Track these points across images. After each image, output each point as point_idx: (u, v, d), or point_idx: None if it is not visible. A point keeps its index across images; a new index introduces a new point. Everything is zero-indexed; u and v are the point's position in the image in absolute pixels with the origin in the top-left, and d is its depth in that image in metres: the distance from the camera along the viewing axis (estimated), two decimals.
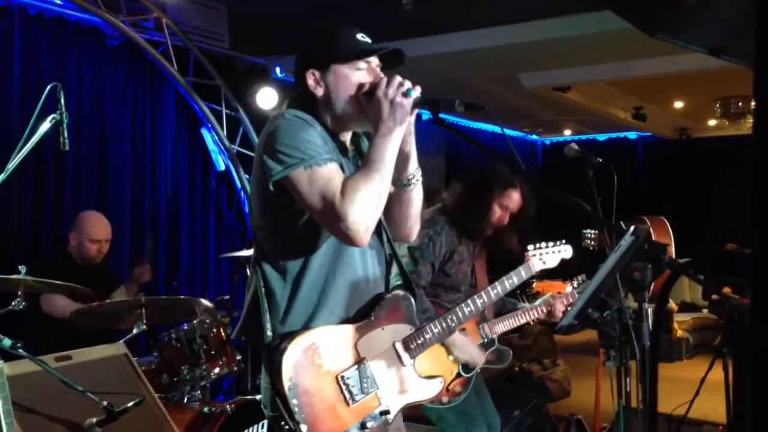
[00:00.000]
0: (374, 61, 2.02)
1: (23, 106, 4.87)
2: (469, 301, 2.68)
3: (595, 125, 10.64)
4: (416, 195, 2.12)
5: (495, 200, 3.25)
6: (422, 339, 2.16)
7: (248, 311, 2.04)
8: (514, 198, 3.27)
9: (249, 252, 4.75)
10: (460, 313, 2.52)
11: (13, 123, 4.83)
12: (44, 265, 4.07)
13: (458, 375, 3.14)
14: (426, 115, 2.05)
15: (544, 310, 3.39)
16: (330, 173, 1.88)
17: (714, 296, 8.87)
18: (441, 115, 1.93)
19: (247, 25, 6.44)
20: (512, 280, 3.09)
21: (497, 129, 10.20)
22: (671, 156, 11.13)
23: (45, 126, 2.57)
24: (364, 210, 1.84)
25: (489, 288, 2.95)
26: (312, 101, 2.02)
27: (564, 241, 3.38)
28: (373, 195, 1.86)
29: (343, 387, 1.93)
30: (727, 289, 2.86)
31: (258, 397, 3.72)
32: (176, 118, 6.12)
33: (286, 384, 1.84)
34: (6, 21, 4.89)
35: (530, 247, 3.28)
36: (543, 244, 3.29)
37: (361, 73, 2.00)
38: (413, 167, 2.07)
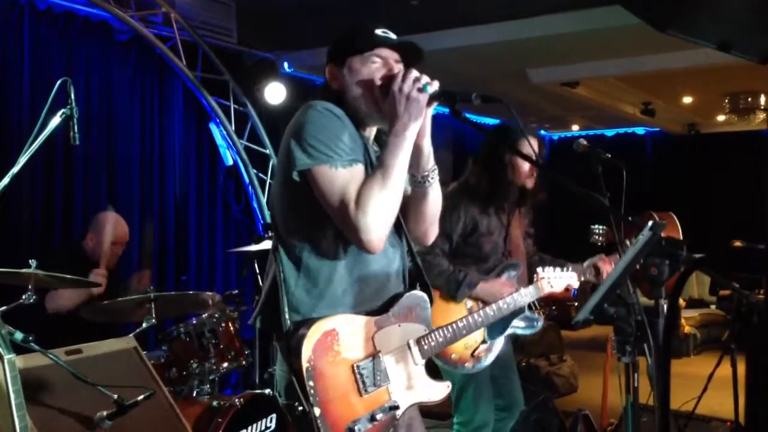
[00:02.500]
0: (391, 56, 2.02)
1: (33, 100, 4.89)
2: (481, 312, 2.74)
3: (604, 120, 10.61)
4: (432, 194, 2.10)
5: (513, 155, 3.23)
6: (435, 341, 2.17)
7: (266, 298, 2.05)
8: (534, 145, 3.19)
9: (257, 247, 4.78)
10: (471, 320, 2.57)
11: (23, 118, 4.85)
12: (55, 259, 4.08)
13: (483, 341, 3.22)
14: (434, 109, 2.04)
15: (592, 273, 3.46)
16: (351, 176, 1.88)
17: (723, 291, 8.86)
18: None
19: (255, 20, 6.44)
20: (522, 296, 3.15)
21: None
22: (680, 151, 11.08)
23: (55, 121, 2.58)
24: (376, 221, 1.86)
25: (500, 302, 3.01)
26: (334, 96, 2.03)
27: (570, 268, 3.42)
28: (387, 204, 1.88)
29: (358, 377, 1.94)
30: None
31: (267, 391, 3.74)
32: (184, 113, 6.14)
33: (305, 365, 1.85)
34: (16, 16, 4.90)
35: (539, 269, 3.32)
36: (550, 269, 3.34)
37: (374, 66, 2.00)
38: (429, 164, 2.06)
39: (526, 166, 3.26)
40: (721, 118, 9.97)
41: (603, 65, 7.14)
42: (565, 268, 3.38)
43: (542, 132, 12.01)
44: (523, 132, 3.11)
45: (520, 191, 3.35)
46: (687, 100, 9.27)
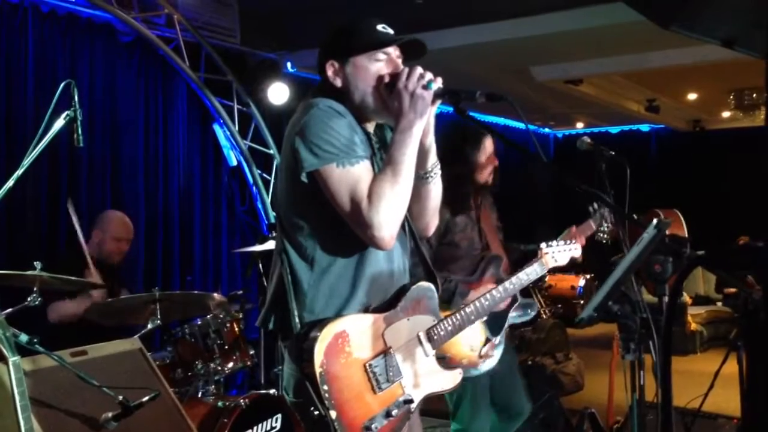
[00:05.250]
0: (394, 52, 2.02)
1: (37, 102, 4.90)
2: (488, 295, 2.72)
3: (608, 118, 10.59)
4: (434, 189, 2.12)
5: (476, 156, 3.35)
6: (444, 330, 2.18)
7: (272, 299, 2.06)
8: (489, 145, 3.37)
9: (261, 247, 4.78)
10: (478, 305, 2.54)
11: (28, 120, 4.86)
12: (58, 263, 4.08)
13: (487, 340, 3.22)
14: (438, 108, 2.04)
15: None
16: (360, 174, 1.89)
17: (728, 290, 8.83)
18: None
19: (257, 21, 6.45)
20: (527, 275, 3.12)
21: (510, 122, 10.17)
22: (684, 148, 11.06)
23: (59, 123, 2.58)
24: (389, 217, 1.87)
25: (506, 283, 2.98)
26: (334, 92, 2.02)
27: (574, 240, 3.41)
28: (398, 200, 1.89)
29: (371, 375, 1.94)
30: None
31: (272, 391, 3.74)
32: (188, 114, 6.15)
33: (317, 370, 1.85)
34: (19, 19, 4.92)
35: (543, 245, 3.31)
36: (554, 243, 3.33)
37: (379, 64, 2.00)
38: (432, 161, 2.08)
39: (488, 163, 3.37)
40: (726, 114, 9.95)
41: (607, 62, 7.13)
42: (569, 240, 3.37)
43: (546, 130, 12.00)
44: (482, 132, 3.35)
45: (481, 188, 3.43)
46: (692, 96, 9.25)
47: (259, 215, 6.53)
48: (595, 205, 3.57)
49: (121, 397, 2.52)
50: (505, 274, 3.38)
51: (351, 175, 1.88)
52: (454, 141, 3.37)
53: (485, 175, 3.42)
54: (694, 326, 8.24)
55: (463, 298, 3.20)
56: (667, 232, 1.67)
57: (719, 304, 9.05)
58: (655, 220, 1.66)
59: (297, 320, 1.95)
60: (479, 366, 3.23)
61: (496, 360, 3.28)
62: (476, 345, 3.21)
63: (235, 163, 6.43)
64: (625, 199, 2.81)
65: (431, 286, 2.16)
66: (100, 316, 3.74)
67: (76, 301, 3.88)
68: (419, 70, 1.93)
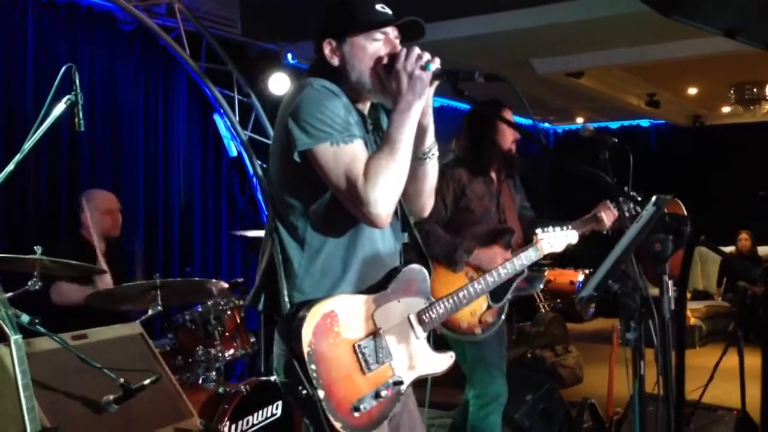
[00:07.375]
0: (392, 32, 2.01)
1: (37, 92, 4.89)
2: (481, 279, 2.73)
3: (608, 112, 10.58)
4: (431, 169, 2.12)
5: (498, 121, 3.45)
6: (435, 313, 2.18)
7: (262, 279, 2.05)
8: (510, 114, 3.43)
9: (261, 233, 4.77)
10: (471, 289, 2.54)
11: (27, 109, 4.86)
12: (57, 250, 4.07)
13: (489, 306, 3.26)
14: (437, 102, 2.04)
15: (593, 223, 3.47)
16: (355, 152, 1.88)
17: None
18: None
19: (258, 11, 6.44)
20: (521, 260, 3.15)
21: None
22: (684, 144, 11.06)
23: (60, 107, 2.57)
24: (386, 195, 1.86)
25: (499, 267, 3.00)
26: (330, 71, 2.02)
27: (570, 227, 3.42)
28: (395, 178, 1.89)
29: (360, 356, 1.95)
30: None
31: (273, 378, 3.74)
32: (189, 104, 6.14)
33: (306, 349, 1.85)
34: (19, 7, 4.90)
35: (538, 230, 3.33)
36: (550, 229, 3.35)
37: (377, 44, 1.99)
38: (430, 141, 2.07)
39: (508, 131, 3.46)
40: (726, 109, 9.95)
41: (608, 55, 7.12)
42: (564, 227, 3.38)
43: (546, 125, 11.99)
44: (500, 101, 3.40)
45: (505, 158, 3.48)
46: (692, 90, 9.25)
47: (259, 206, 6.53)
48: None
49: (122, 380, 2.52)
50: (515, 246, 3.40)
51: (346, 153, 1.87)
52: (484, 106, 3.43)
53: (508, 142, 3.49)
54: (693, 321, 8.25)
55: (469, 254, 3.26)
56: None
57: (719, 299, 9.07)
58: (653, 197, 1.67)
59: (287, 300, 1.95)
60: (476, 331, 3.25)
61: (495, 328, 3.30)
62: (477, 310, 3.23)
63: (235, 153, 6.43)
64: (628, 186, 2.82)
65: (422, 268, 2.16)
66: (101, 302, 3.74)
67: (80, 288, 3.88)
68: (417, 50, 1.92)
